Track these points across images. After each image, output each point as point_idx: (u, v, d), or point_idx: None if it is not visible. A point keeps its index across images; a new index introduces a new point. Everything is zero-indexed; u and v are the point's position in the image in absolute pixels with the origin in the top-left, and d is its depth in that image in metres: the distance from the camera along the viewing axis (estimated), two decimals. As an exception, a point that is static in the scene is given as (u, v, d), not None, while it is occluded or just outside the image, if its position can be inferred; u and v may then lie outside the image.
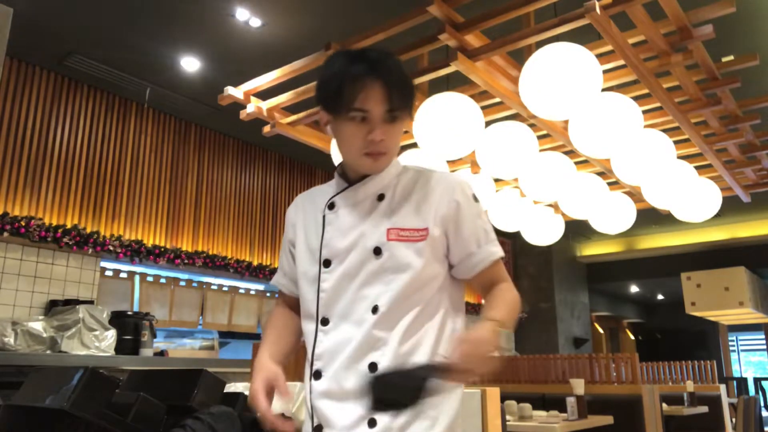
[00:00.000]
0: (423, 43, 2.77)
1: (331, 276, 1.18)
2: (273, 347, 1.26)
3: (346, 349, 1.13)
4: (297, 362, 1.32)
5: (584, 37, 2.71)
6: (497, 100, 3.17)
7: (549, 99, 2.64)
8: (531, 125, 3.29)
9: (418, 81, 2.99)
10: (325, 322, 1.18)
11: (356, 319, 1.15)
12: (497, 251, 1.24)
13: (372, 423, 1.09)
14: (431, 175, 1.27)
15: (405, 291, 1.15)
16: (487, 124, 3.14)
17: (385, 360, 1.11)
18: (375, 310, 1.14)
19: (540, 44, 2.69)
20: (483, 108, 3.08)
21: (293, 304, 1.33)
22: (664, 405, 4.05)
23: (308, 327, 1.22)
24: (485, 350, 1.03)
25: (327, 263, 1.20)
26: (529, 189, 3.59)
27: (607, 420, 3.37)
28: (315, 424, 1.14)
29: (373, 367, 1.11)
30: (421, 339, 1.15)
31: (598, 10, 2.31)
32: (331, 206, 1.25)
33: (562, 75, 2.54)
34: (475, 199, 1.27)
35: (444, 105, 2.95)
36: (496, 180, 3.91)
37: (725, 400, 5.10)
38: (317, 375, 1.15)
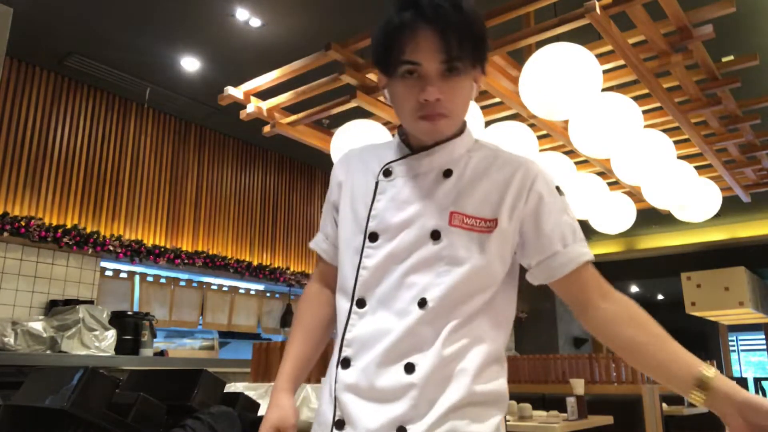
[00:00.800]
0: (423, 43, 2.77)
1: (376, 252, 1.03)
2: (296, 360, 1.13)
3: (383, 341, 0.98)
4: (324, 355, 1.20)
5: (584, 37, 2.71)
6: (497, 100, 3.17)
7: (549, 99, 2.64)
8: (531, 125, 3.29)
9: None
10: (361, 303, 1.02)
11: (399, 308, 0.99)
12: (587, 252, 1.06)
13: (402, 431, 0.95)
14: (510, 158, 1.09)
15: (459, 287, 0.99)
16: (487, 124, 3.14)
17: (426, 363, 0.96)
18: (422, 303, 0.98)
19: (540, 44, 2.68)
20: (483, 108, 3.08)
21: (331, 277, 1.16)
22: (664, 405, 4.05)
23: (342, 304, 1.06)
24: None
25: (373, 237, 1.04)
26: (529, 189, 3.59)
27: (607, 420, 3.37)
28: (337, 418, 1.00)
29: (410, 368, 0.97)
30: (468, 345, 1.00)
31: (598, 10, 2.31)
32: (387, 173, 1.08)
33: (562, 75, 2.54)
34: (560, 192, 1.09)
35: (444, 105, 2.94)
36: (496, 180, 3.90)
37: (725, 400, 5.09)
38: (345, 363, 1.01)
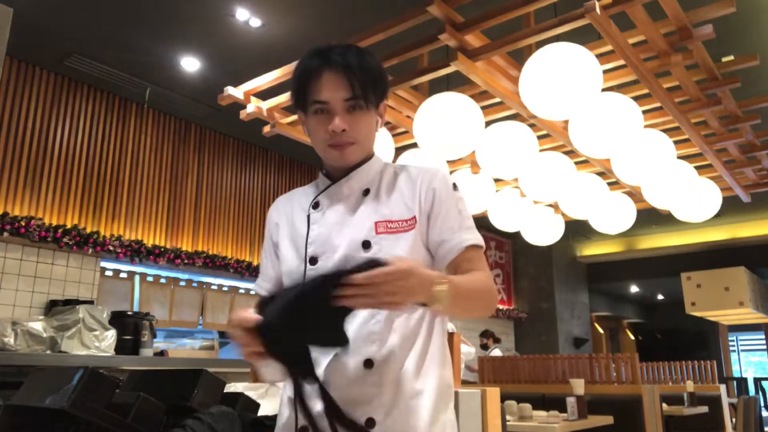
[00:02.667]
0: (423, 43, 2.77)
1: (316, 272, 1.13)
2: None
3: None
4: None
5: (584, 37, 2.71)
6: (497, 100, 3.17)
7: (549, 99, 2.64)
8: (531, 125, 3.29)
9: (417, 81, 2.99)
10: None
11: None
12: (470, 238, 1.19)
13: (370, 423, 1.05)
14: (412, 169, 1.26)
15: None
16: (487, 124, 3.14)
17: (381, 354, 1.09)
18: None
19: (540, 44, 2.69)
20: (483, 108, 3.08)
21: None
22: (664, 405, 4.05)
23: None
24: (411, 281, 0.93)
25: (313, 261, 1.16)
26: (529, 189, 3.59)
27: (607, 420, 3.37)
28: (300, 425, 1.09)
29: (369, 363, 1.08)
30: (415, 330, 1.13)
31: (598, 10, 2.31)
32: (316, 205, 1.23)
33: (562, 75, 2.54)
34: (455, 188, 1.23)
35: (444, 105, 2.95)
36: (496, 180, 3.91)
37: (725, 400, 5.09)
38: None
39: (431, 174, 1.22)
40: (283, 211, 1.30)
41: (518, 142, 3.20)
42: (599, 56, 2.66)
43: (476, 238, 1.20)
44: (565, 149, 3.64)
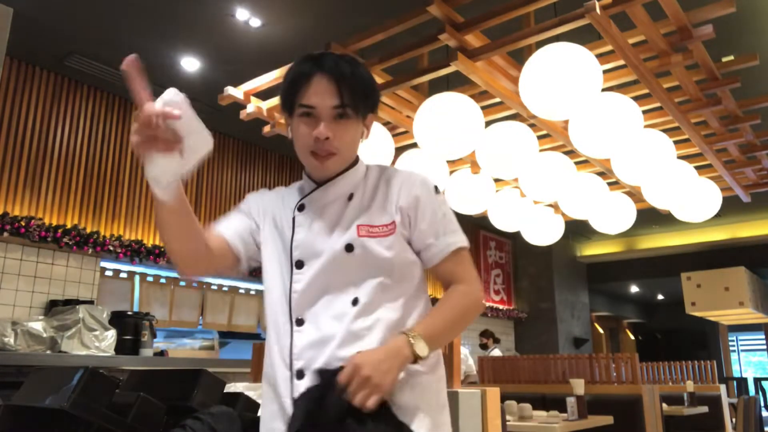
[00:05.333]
0: (423, 43, 2.77)
1: (303, 277, 1.17)
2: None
3: (330, 344, 1.11)
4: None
5: (584, 37, 2.71)
6: (497, 100, 3.17)
7: (549, 99, 2.64)
8: (531, 125, 3.29)
9: (417, 81, 2.99)
10: (300, 322, 1.16)
11: (336, 313, 1.14)
12: (456, 241, 1.22)
13: None
14: (393, 172, 1.27)
15: (383, 281, 1.15)
16: (487, 124, 3.14)
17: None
18: (355, 302, 1.14)
19: (540, 44, 2.68)
20: (483, 108, 3.08)
21: (215, 241, 1.24)
22: (664, 405, 4.05)
23: (279, 324, 1.18)
24: (380, 368, 1.03)
25: (299, 264, 1.18)
26: (529, 189, 3.59)
27: (607, 420, 3.37)
28: (296, 429, 1.07)
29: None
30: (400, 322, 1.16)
31: (598, 10, 2.31)
32: (301, 207, 1.24)
33: (562, 75, 2.54)
34: (437, 191, 1.25)
35: (444, 105, 2.95)
36: (496, 180, 3.91)
37: (725, 400, 5.09)
38: (300, 374, 1.12)
39: (411, 181, 1.24)
40: (270, 202, 1.30)
41: (518, 142, 3.20)
42: (599, 56, 2.66)
43: (461, 240, 1.23)
44: (565, 149, 3.64)
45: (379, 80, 2.98)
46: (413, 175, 1.26)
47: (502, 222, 4.07)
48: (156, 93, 0.99)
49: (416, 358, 1.08)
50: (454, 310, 1.18)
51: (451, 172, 3.83)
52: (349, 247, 1.16)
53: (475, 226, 8.36)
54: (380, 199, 1.22)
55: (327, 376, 1.05)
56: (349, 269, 1.16)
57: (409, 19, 2.70)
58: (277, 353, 1.17)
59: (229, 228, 1.27)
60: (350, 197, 1.23)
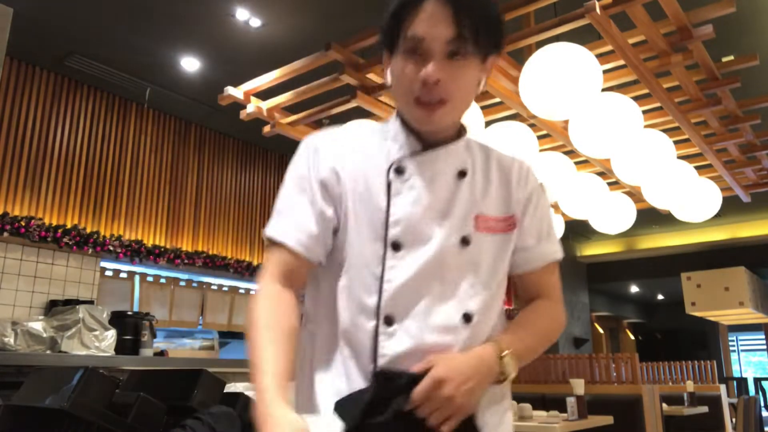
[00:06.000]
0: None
1: (401, 264, 0.91)
2: (279, 377, 0.89)
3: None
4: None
5: (584, 37, 2.71)
6: (497, 100, 3.17)
7: (549, 99, 2.64)
8: (531, 125, 3.29)
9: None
10: (389, 320, 0.90)
11: (441, 325, 0.91)
12: (558, 250, 1.05)
13: None
14: (500, 155, 1.05)
15: (496, 292, 0.98)
16: (487, 124, 3.14)
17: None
18: (468, 318, 0.92)
19: (540, 44, 2.68)
20: (483, 108, 3.08)
21: (300, 278, 0.97)
22: (664, 405, 4.05)
23: (358, 321, 0.92)
24: (466, 385, 0.85)
25: (396, 246, 0.92)
26: (529, 189, 3.59)
27: (607, 420, 3.37)
28: None
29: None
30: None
31: (598, 10, 2.31)
32: (400, 170, 0.95)
33: (562, 75, 2.54)
34: (543, 189, 1.08)
35: (444, 105, 2.94)
36: (496, 180, 3.90)
37: (725, 400, 5.10)
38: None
39: (526, 168, 1.04)
40: (345, 158, 0.99)
41: (518, 142, 3.20)
42: (599, 56, 2.66)
43: (560, 250, 1.06)
44: (565, 149, 3.63)
45: (379, 81, 2.98)
46: (524, 163, 1.06)
47: (502, 222, 4.06)
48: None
49: (503, 379, 0.93)
50: (541, 333, 1.02)
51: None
52: (465, 241, 0.94)
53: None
54: (496, 185, 1.00)
55: (396, 384, 0.84)
56: (460, 269, 0.94)
57: (409, 19, 2.69)
58: (347, 350, 0.93)
59: (309, 245, 0.96)
60: (462, 174, 0.97)
